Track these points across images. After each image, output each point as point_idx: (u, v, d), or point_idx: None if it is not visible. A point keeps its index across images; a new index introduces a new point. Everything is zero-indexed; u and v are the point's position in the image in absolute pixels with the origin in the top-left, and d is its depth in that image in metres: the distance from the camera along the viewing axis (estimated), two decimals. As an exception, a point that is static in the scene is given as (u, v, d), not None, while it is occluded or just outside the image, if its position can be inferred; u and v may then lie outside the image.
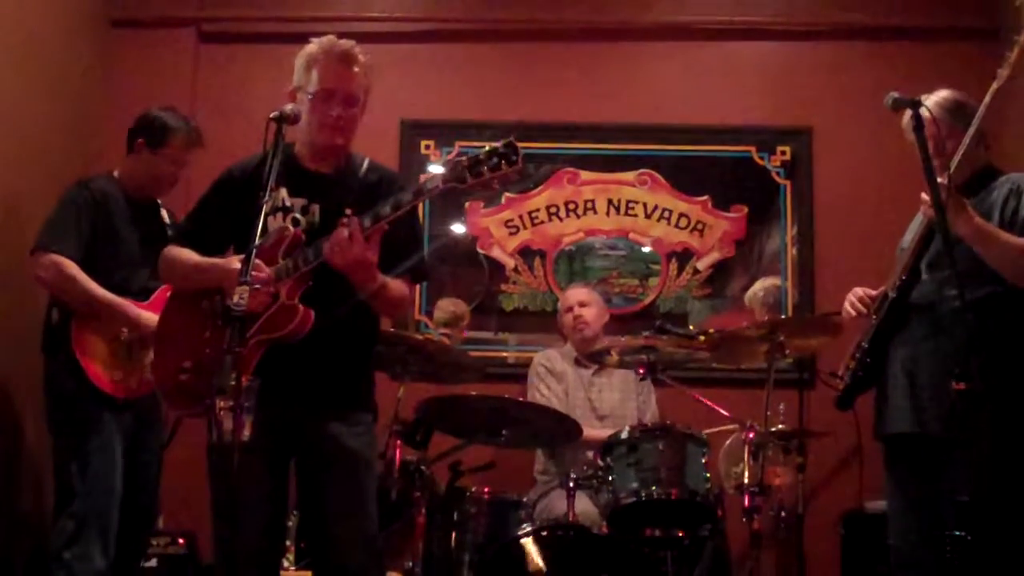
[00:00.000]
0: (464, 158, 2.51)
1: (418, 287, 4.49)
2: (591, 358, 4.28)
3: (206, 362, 2.60)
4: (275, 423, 2.67)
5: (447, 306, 4.88)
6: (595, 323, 4.44)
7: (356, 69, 2.78)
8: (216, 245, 2.82)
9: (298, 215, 2.78)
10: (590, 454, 3.76)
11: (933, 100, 2.97)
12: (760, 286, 4.88)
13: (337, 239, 2.55)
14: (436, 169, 4.96)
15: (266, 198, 2.47)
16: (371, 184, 2.83)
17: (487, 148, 2.50)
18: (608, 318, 4.55)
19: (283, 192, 2.80)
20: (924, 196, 2.79)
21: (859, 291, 3.17)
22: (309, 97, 2.76)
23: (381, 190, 2.76)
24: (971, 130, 2.87)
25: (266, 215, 2.50)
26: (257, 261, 2.57)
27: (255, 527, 2.66)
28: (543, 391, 4.31)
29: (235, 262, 2.63)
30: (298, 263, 2.63)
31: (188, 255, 2.82)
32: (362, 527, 2.75)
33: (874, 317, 3.07)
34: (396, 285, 2.75)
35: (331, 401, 2.76)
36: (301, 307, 2.64)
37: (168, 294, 3.01)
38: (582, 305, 4.46)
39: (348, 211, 2.60)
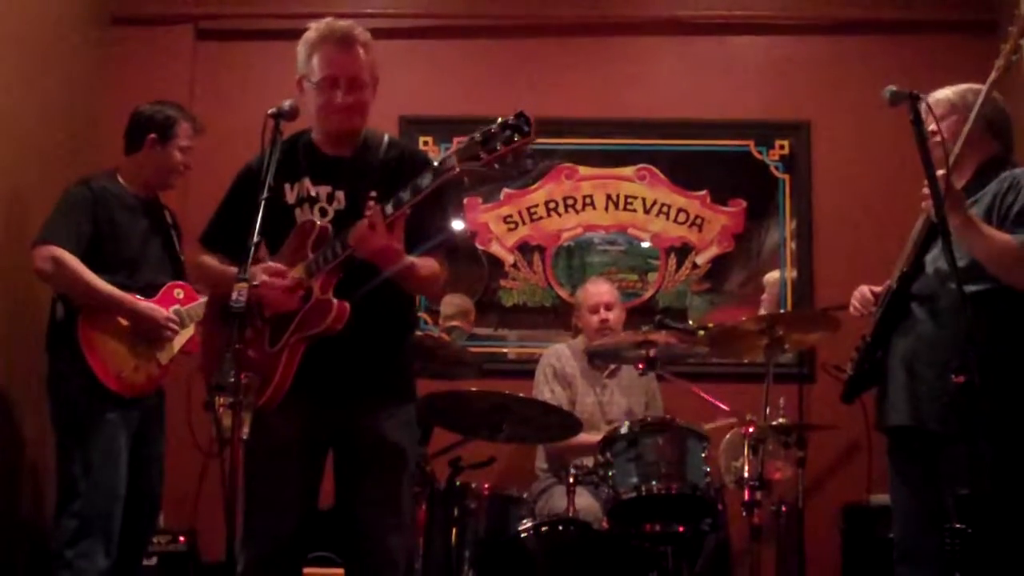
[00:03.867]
0: (476, 134, 2.45)
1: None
2: (598, 356, 4.24)
3: (244, 362, 2.45)
4: (313, 420, 2.67)
5: (454, 300, 4.86)
6: (618, 327, 4.33)
7: (357, 50, 2.74)
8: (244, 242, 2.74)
9: (325, 205, 2.76)
10: (588, 461, 3.73)
11: (950, 90, 3.00)
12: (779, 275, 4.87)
13: (360, 231, 2.53)
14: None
15: (264, 195, 2.46)
16: (392, 161, 2.80)
17: (499, 121, 2.46)
18: (625, 316, 4.46)
19: (307, 182, 2.78)
20: (925, 190, 2.79)
21: (864, 288, 3.17)
22: (314, 86, 2.74)
23: (404, 167, 2.72)
24: (968, 122, 2.86)
25: (267, 208, 2.48)
26: (279, 266, 2.59)
27: (286, 525, 2.66)
28: (546, 394, 4.26)
29: (260, 272, 2.58)
30: (327, 256, 2.61)
31: (212, 263, 2.81)
32: (398, 525, 2.73)
33: (878, 310, 3.07)
34: (425, 263, 2.70)
35: (374, 392, 2.73)
36: (335, 302, 2.61)
37: (174, 289, 2.98)
38: (608, 308, 4.33)
39: (372, 194, 2.56)
